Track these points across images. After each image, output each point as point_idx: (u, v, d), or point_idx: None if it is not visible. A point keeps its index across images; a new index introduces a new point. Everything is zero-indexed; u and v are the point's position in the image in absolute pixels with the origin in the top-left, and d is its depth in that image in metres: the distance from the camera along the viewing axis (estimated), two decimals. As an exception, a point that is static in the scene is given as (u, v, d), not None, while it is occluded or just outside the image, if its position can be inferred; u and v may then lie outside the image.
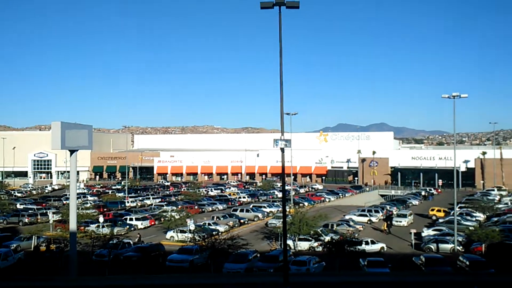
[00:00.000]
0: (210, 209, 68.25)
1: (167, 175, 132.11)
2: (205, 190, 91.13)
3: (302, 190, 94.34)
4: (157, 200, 76.55)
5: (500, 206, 65.82)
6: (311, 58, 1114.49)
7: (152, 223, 57.19)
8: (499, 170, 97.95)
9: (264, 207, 65.26)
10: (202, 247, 36.10)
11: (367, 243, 41.72)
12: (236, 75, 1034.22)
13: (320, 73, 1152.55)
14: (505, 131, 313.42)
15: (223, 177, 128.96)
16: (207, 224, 50.95)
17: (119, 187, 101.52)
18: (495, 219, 54.42)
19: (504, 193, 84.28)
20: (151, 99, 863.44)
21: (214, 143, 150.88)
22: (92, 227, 49.46)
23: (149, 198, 78.83)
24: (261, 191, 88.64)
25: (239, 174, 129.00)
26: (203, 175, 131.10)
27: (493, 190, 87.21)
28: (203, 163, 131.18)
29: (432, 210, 62.87)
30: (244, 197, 79.27)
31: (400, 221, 55.29)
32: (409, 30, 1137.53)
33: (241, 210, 62.49)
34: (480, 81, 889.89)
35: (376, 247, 42.14)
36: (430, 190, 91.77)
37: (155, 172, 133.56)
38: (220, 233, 46.23)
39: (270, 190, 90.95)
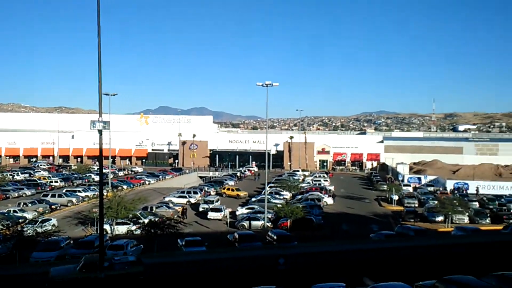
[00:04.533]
0: (16, 194, 61.86)
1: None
2: (10, 174, 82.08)
3: (121, 173, 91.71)
4: None
5: (303, 185, 73.57)
6: (133, 39, 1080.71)
7: None
8: (303, 153, 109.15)
9: (79, 191, 61.82)
10: (6, 236, 32.73)
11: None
12: (49, 50, 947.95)
13: (141, 55, 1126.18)
14: (309, 118, 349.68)
15: (32, 160, 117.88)
16: (12, 211, 46.20)
17: None
18: (299, 196, 60.70)
19: (307, 173, 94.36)
20: None
21: (21, 123, 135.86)
22: None
23: None
24: (76, 175, 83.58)
25: (51, 157, 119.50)
26: (7, 157, 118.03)
27: (298, 170, 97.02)
28: (8, 144, 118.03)
29: (224, 188, 68.78)
30: (56, 181, 73.76)
31: (207, 207, 53.03)
32: (231, 20, 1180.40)
33: (53, 195, 58.00)
34: (289, 72, 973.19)
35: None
36: (245, 171, 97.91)
37: None
38: (27, 221, 42.47)
39: (86, 173, 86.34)
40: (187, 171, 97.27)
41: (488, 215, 50.46)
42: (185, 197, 60.48)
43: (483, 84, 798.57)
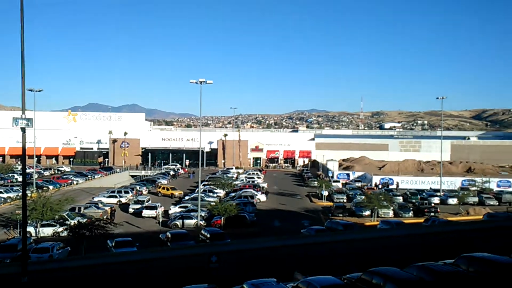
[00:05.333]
0: None
1: None
2: None
3: (47, 173, 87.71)
4: None
5: (237, 182, 73.96)
6: (60, 32, 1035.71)
7: None
8: (237, 150, 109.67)
9: (1, 192, 58.45)
10: None
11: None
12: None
13: (69, 50, 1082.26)
14: (243, 116, 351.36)
15: None
16: None
17: None
18: (233, 194, 61.01)
19: (240, 171, 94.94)
20: None
21: None
22: None
23: None
24: (-4, 175, 78.81)
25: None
26: None
27: (232, 168, 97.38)
28: None
29: (159, 187, 68.25)
30: (-26, 183, 69.27)
31: (138, 208, 52.19)
32: (162, 15, 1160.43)
33: (-29, 198, 54.51)
34: (223, 69, 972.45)
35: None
36: (178, 169, 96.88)
37: None
38: None
39: (8, 173, 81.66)
40: (117, 170, 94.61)
41: (411, 209, 53.33)
42: (115, 196, 58.92)
43: (407, 84, 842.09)
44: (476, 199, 60.91)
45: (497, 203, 60.10)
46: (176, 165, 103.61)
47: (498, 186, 73.73)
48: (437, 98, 68.05)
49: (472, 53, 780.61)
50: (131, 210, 52.21)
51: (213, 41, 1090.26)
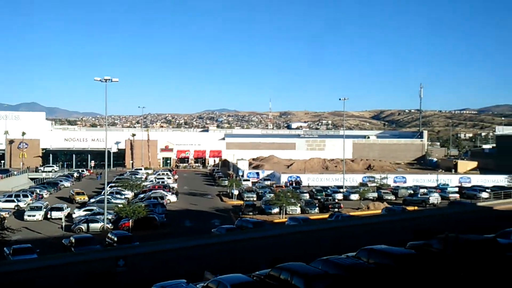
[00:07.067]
0: None
1: None
2: None
3: None
4: None
5: (146, 183, 72.32)
6: None
7: None
8: (146, 151, 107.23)
9: None
10: None
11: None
12: None
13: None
14: (152, 115, 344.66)
15: None
16: None
17: None
18: (142, 195, 59.57)
19: (150, 171, 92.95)
20: None
21: None
22: None
23: None
24: None
25: None
26: None
27: (141, 169, 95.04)
28: None
29: (73, 194, 62.76)
30: None
31: (34, 215, 48.58)
32: (65, 11, 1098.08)
33: None
34: (131, 68, 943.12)
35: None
36: (83, 171, 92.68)
37: None
38: None
39: None
40: (15, 172, 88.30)
41: (317, 205, 55.53)
42: (13, 201, 54.96)
43: (313, 85, 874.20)
44: (375, 195, 64.77)
45: (394, 198, 64.44)
46: (53, 167, 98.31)
47: (394, 181, 79.12)
48: (340, 99, 71.52)
49: (370, 56, 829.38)
50: (26, 218, 48.19)
51: (119, 37, 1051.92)
